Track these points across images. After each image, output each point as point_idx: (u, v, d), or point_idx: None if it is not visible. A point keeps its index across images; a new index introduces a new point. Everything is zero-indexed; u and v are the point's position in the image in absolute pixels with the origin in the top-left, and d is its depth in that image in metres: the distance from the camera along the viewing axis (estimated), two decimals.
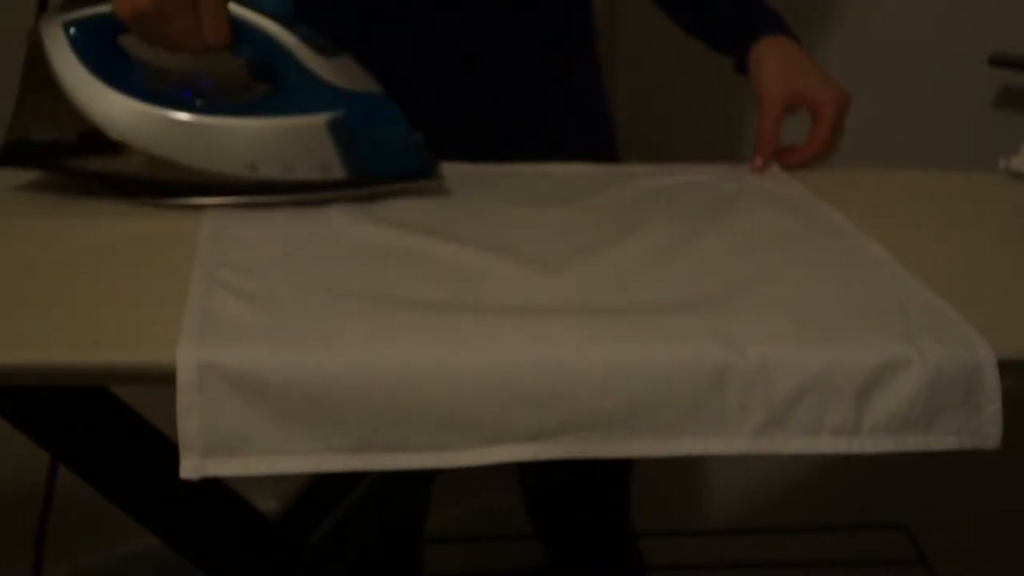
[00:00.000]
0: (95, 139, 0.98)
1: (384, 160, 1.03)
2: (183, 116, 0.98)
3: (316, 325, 0.79)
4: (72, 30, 0.97)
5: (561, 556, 1.63)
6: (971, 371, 0.80)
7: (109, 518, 1.01)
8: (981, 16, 1.62)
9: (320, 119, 1.00)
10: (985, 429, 0.81)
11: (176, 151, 0.98)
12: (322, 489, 1.04)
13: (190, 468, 0.73)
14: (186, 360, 0.73)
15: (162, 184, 0.99)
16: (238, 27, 0.97)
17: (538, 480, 1.57)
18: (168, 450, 0.92)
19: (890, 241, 0.99)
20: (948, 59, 1.67)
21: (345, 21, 1.16)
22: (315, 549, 0.98)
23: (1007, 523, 1.85)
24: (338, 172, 1.01)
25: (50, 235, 0.93)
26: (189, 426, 0.73)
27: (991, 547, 1.85)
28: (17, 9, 1.36)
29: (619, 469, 1.52)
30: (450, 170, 1.08)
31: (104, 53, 0.99)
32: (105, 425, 0.94)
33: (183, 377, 0.73)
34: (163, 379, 0.73)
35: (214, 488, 0.93)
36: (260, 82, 1.03)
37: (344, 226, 0.98)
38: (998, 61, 1.63)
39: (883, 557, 1.82)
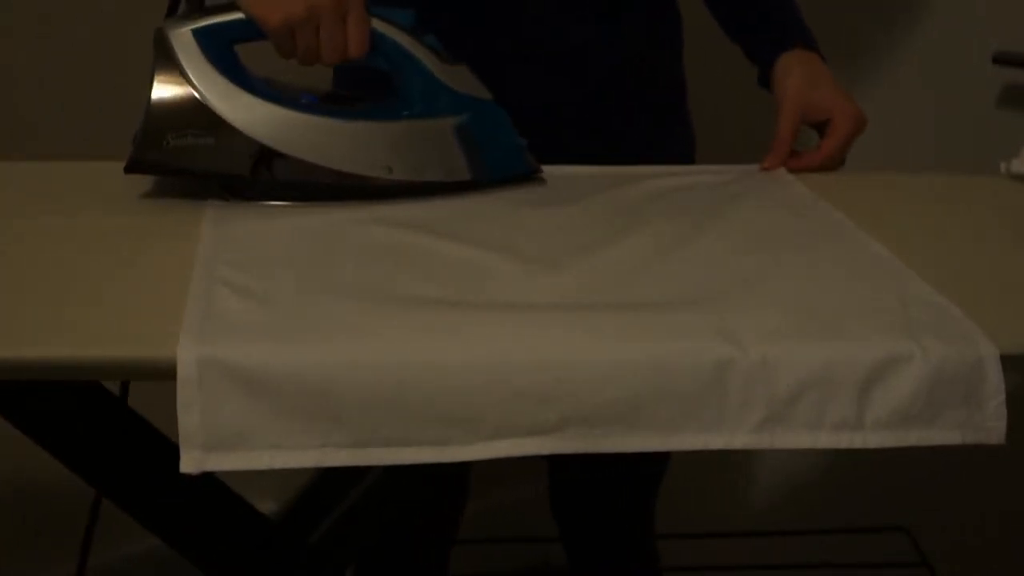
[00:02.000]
0: (232, 144, 0.99)
1: (498, 162, 1.08)
2: (321, 119, 1.02)
3: (317, 321, 0.79)
4: (203, 37, 0.99)
5: (581, 556, 1.63)
6: (973, 366, 0.80)
7: (109, 518, 1.01)
8: (985, 15, 1.63)
9: (448, 123, 1.05)
10: (989, 424, 0.81)
11: (316, 154, 1.01)
12: (322, 489, 1.04)
13: (190, 463, 0.73)
14: (187, 355, 0.73)
15: (297, 187, 1.02)
16: (372, 37, 1.01)
17: (568, 480, 1.58)
18: (168, 450, 0.92)
19: (891, 240, 0.99)
20: (952, 57, 1.67)
21: (434, 21, 1.17)
22: (315, 549, 0.98)
23: (1009, 525, 1.84)
24: (462, 174, 1.07)
25: (51, 232, 0.93)
26: (189, 421, 0.73)
27: (993, 549, 1.85)
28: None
29: (652, 471, 1.52)
30: None
31: (233, 59, 1.01)
32: (105, 425, 0.94)
33: (183, 372, 0.73)
34: (164, 375, 0.73)
35: (214, 488, 0.93)
36: (380, 88, 1.06)
37: (345, 224, 0.98)
38: (1002, 60, 1.64)
39: (884, 559, 1.82)
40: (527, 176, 1.11)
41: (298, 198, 1.02)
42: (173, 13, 1.03)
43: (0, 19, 1.53)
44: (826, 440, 0.80)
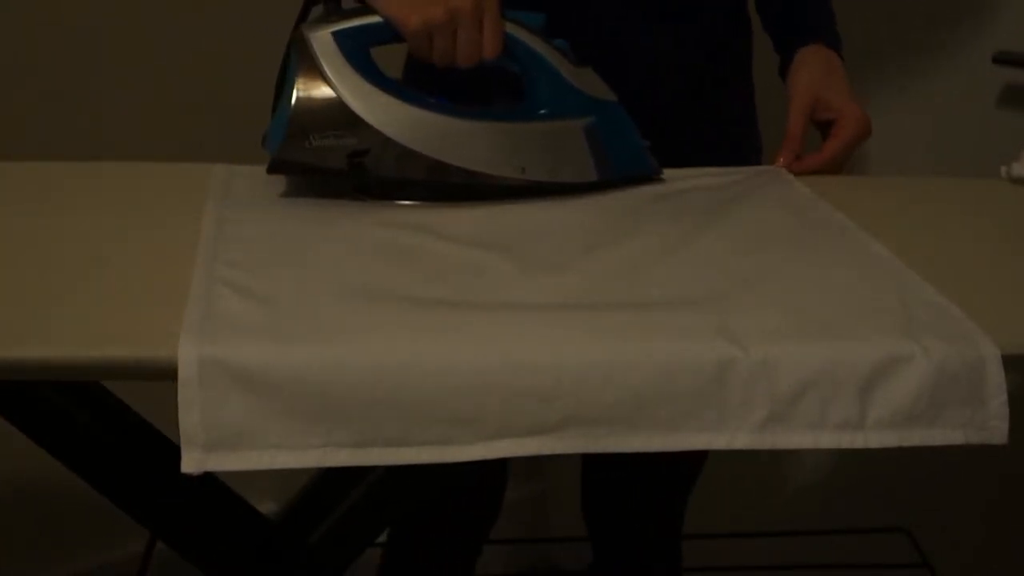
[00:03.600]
0: (372, 144, 1.01)
1: (622, 162, 1.10)
2: (455, 120, 1.03)
3: (318, 321, 0.79)
4: (342, 40, 1.00)
5: (608, 555, 1.63)
6: (975, 366, 0.80)
7: (109, 518, 1.01)
8: (985, 15, 1.63)
9: (578, 124, 1.07)
10: (991, 424, 0.81)
11: (452, 154, 1.03)
12: (322, 489, 1.04)
13: (192, 463, 0.73)
14: (187, 355, 0.73)
15: (432, 187, 1.03)
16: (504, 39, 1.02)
17: (601, 478, 1.58)
18: (168, 450, 0.92)
19: (892, 241, 0.99)
20: (953, 57, 1.67)
21: None
22: (315, 549, 0.98)
23: (1009, 525, 1.84)
24: (591, 174, 1.09)
25: (52, 232, 0.93)
26: (190, 421, 0.73)
27: (993, 550, 1.85)
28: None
29: (687, 472, 1.52)
30: None
31: (369, 61, 1.02)
32: (105, 425, 0.94)
33: (184, 372, 0.73)
34: (164, 374, 0.73)
35: (214, 488, 0.93)
36: (508, 89, 1.07)
37: (346, 225, 0.98)
38: (1002, 60, 1.64)
39: (885, 560, 1.82)
40: (649, 176, 1.13)
41: (431, 198, 1.04)
42: (305, 17, 1.05)
43: (0, 19, 1.53)
44: (828, 440, 0.79)
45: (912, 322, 0.83)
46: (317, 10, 1.04)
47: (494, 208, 1.05)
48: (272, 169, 1.02)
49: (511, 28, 1.03)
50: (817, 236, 1.01)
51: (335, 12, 1.02)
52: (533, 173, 1.06)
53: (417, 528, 1.52)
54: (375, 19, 1.00)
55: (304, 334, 0.77)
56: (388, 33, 1.00)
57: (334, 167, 1.01)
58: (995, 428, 0.82)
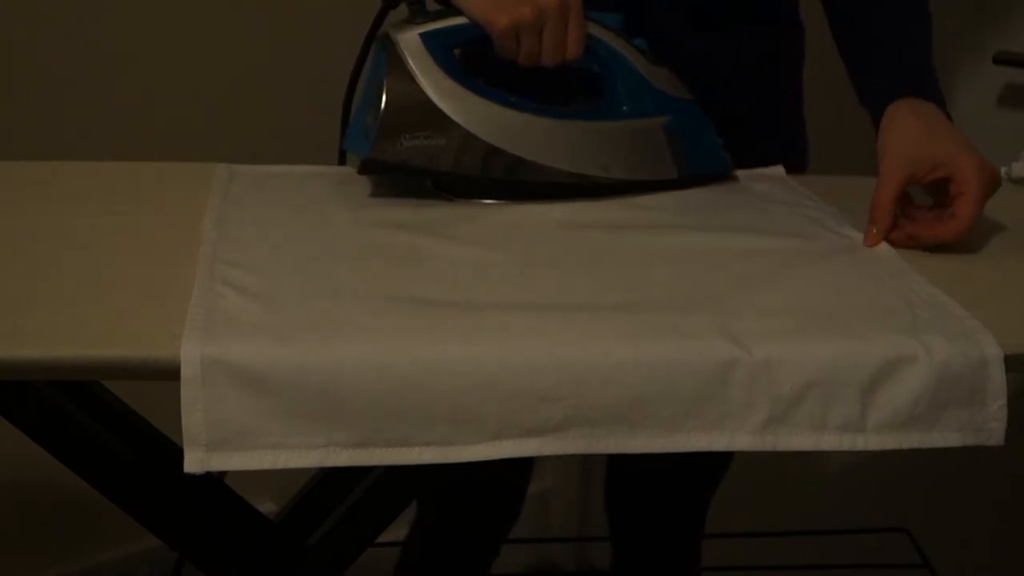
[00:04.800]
0: (461, 144, 1.03)
1: (699, 161, 1.12)
2: (541, 119, 1.05)
3: (319, 321, 0.79)
4: (430, 41, 1.02)
5: (628, 554, 1.62)
6: (977, 367, 0.80)
7: (109, 518, 1.00)
8: (985, 15, 1.63)
9: (658, 122, 1.09)
10: (990, 426, 0.81)
11: (539, 153, 1.04)
12: (322, 489, 1.04)
13: (194, 463, 0.73)
14: (190, 355, 0.73)
15: (518, 185, 1.05)
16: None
17: (627, 479, 1.58)
18: (169, 450, 0.92)
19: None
20: (953, 58, 1.67)
21: None
22: (315, 549, 0.98)
23: (1009, 526, 1.84)
24: (670, 172, 1.10)
25: (51, 232, 0.93)
26: (193, 421, 0.73)
27: (994, 550, 1.85)
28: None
29: (712, 474, 1.52)
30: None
31: (455, 61, 1.03)
32: (105, 425, 0.94)
33: (187, 372, 0.72)
34: (166, 374, 0.73)
35: (215, 488, 0.92)
36: (587, 88, 1.09)
37: (346, 225, 0.99)
38: (1002, 60, 1.64)
39: (885, 560, 1.82)
40: (723, 174, 1.15)
41: (517, 197, 1.05)
42: (381, 21, 1.06)
43: (0, 19, 1.53)
44: (829, 442, 0.79)
45: (915, 322, 0.83)
46: (399, 12, 1.05)
47: (494, 208, 1.04)
48: (363, 170, 1.04)
49: (592, 28, 1.04)
50: (820, 236, 1.01)
51: (420, 14, 1.03)
52: (616, 171, 1.08)
53: (436, 526, 1.52)
54: (461, 20, 1.02)
55: (306, 334, 0.77)
56: (474, 33, 1.01)
57: (424, 167, 1.02)
58: (993, 430, 0.81)
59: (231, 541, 0.96)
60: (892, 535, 1.84)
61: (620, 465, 1.57)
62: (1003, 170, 1.22)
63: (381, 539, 0.98)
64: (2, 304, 0.80)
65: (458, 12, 1.02)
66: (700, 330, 0.80)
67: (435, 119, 1.01)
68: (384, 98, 1.01)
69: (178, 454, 0.74)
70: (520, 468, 1.50)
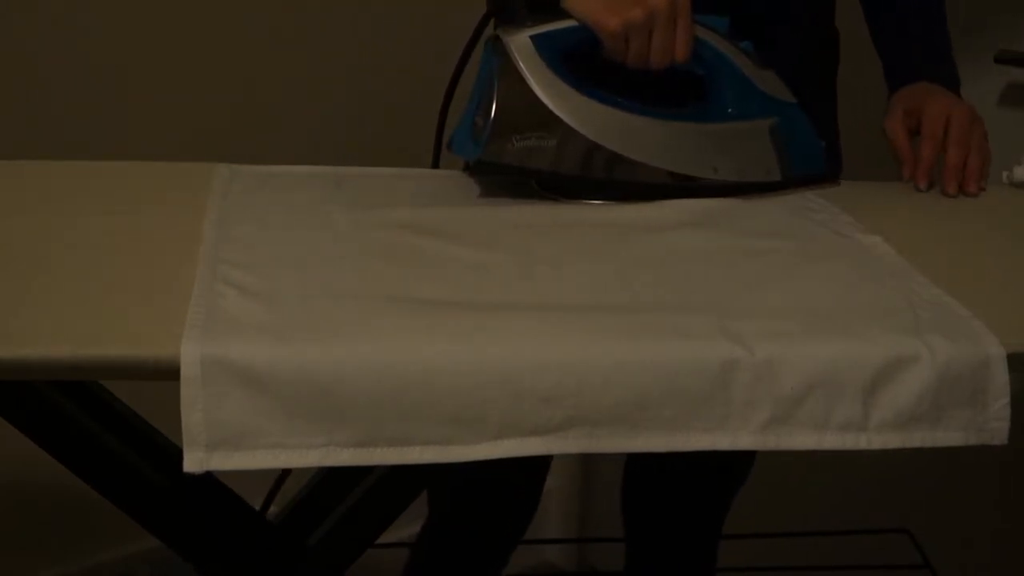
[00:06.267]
0: (572, 145, 1.04)
1: (803, 163, 1.13)
2: (649, 120, 1.06)
3: (320, 320, 0.79)
4: (540, 43, 1.03)
5: (643, 557, 1.62)
6: (980, 366, 0.80)
7: (109, 518, 1.00)
8: (985, 15, 1.63)
9: (764, 124, 1.10)
10: (992, 425, 0.81)
11: (649, 154, 1.05)
12: (322, 489, 1.04)
13: (194, 462, 0.73)
14: (190, 354, 0.73)
15: (627, 186, 1.06)
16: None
17: (647, 480, 1.57)
18: (169, 450, 0.92)
19: (897, 243, 0.99)
20: (954, 57, 1.67)
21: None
22: (315, 549, 0.98)
23: (1010, 526, 1.84)
24: (775, 174, 1.11)
25: (51, 232, 0.93)
26: (193, 420, 0.73)
27: (995, 551, 1.85)
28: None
29: (734, 477, 1.52)
30: (463, 174, 1.11)
31: (563, 63, 1.04)
32: (105, 425, 0.94)
33: (187, 371, 0.72)
34: (166, 374, 0.73)
35: (214, 488, 0.92)
36: (690, 90, 1.09)
37: (347, 225, 0.98)
38: (1003, 59, 1.64)
39: (886, 561, 1.82)
40: (827, 178, 1.16)
41: (623, 197, 1.06)
42: (482, 28, 1.09)
43: (0, 19, 1.52)
44: (831, 441, 0.79)
45: (918, 322, 0.83)
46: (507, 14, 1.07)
47: (494, 208, 1.04)
48: (475, 170, 1.06)
49: (698, 31, 1.05)
50: (822, 236, 1.01)
51: (529, 17, 1.04)
52: (724, 173, 1.08)
53: (448, 528, 1.51)
54: (570, 22, 1.03)
55: (306, 333, 0.76)
56: (583, 35, 1.02)
57: (535, 168, 1.03)
58: (996, 429, 0.81)
59: (231, 541, 0.96)
60: (893, 536, 1.85)
61: (641, 465, 1.57)
62: (1004, 174, 1.23)
63: (382, 539, 0.98)
64: (2, 304, 0.80)
65: (566, 15, 1.03)
66: (702, 330, 0.80)
67: (546, 120, 1.03)
68: (496, 100, 1.02)
69: (178, 454, 0.74)
70: (533, 472, 1.49)
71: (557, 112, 1.03)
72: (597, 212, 1.05)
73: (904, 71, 1.24)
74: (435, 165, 1.15)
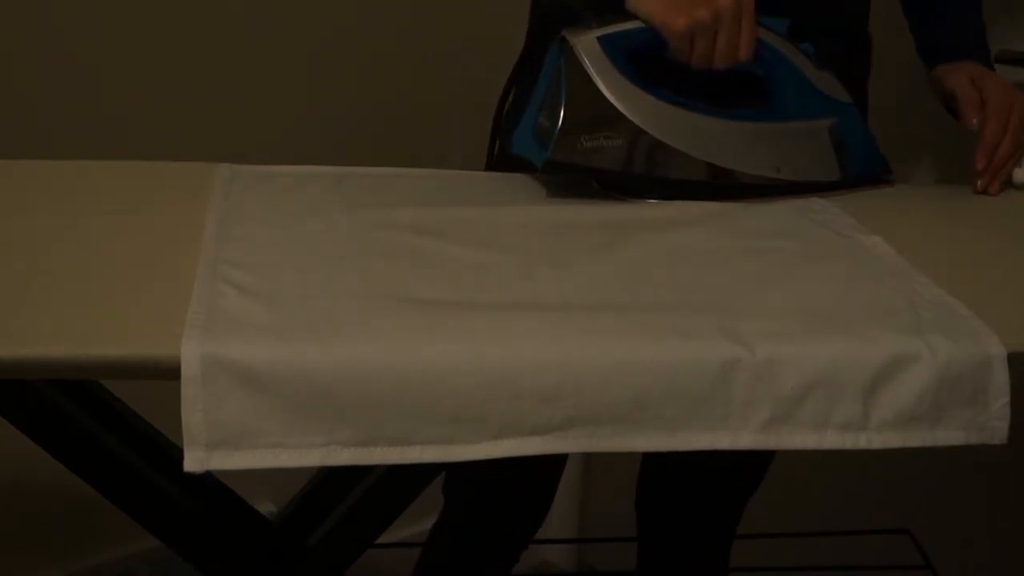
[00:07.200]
0: (638, 145, 1.05)
1: (860, 162, 1.15)
2: (714, 120, 1.07)
3: (321, 320, 0.79)
4: (607, 44, 1.04)
5: (656, 557, 1.62)
6: (980, 365, 0.80)
7: (109, 518, 1.00)
8: (985, 15, 1.63)
9: (823, 124, 1.12)
10: (993, 424, 0.81)
11: (715, 154, 1.06)
12: (322, 489, 1.04)
13: (194, 462, 0.73)
14: (190, 354, 0.73)
15: (692, 185, 1.07)
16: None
17: (663, 480, 1.57)
18: (169, 450, 0.92)
19: (898, 243, 0.99)
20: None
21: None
22: (315, 549, 0.98)
23: (1011, 527, 1.84)
24: (835, 174, 1.13)
25: (51, 232, 0.93)
26: (193, 420, 0.73)
27: (995, 551, 1.85)
28: None
29: (750, 478, 1.52)
30: (463, 174, 1.12)
31: (629, 63, 1.05)
32: (105, 425, 0.94)
33: (187, 371, 0.72)
34: (166, 373, 0.73)
35: (214, 488, 0.92)
36: (749, 90, 1.10)
37: (348, 225, 0.98)
38: (1003, 60, 1.64)
39: (887, 562, 1.82)
40: (881, 176, 1.17)
41: (687, 196, 1.06)
42: (539, 30, 1.10)
43: (0, 19, 1.52)
44: (831, 441, 0.79)
45: (919, 321, 0.83)
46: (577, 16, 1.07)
47: (495, 208, 1.04)
48: (545, 168, 1.06)
49: (760, 32, 1.06)
50: (823, 236, 1.02)
51: (595, 18, 1.05)
52: (786, 172, 1.09)
53: (461, 528, 1.51)
54: (635, 23, 1.04)
55: (307, 333, 0.76)
56: (648, 36, 1.03)
57: (603, 167, 1.04)
58: (996, 428, 0.82)
59: (231, 541, 0.96)
60: (894, 536, 1.85)
61: (656, 464, 1.57)
62: None
63: (382, 539, 0.98)
64: (2, 303, 0.80)
65: (631, 16, 1.04)
66: (702, 330, 0.80)
67: (614, 120, 1.04)
68: (564, 101, 1.03)
69: (178, 454, 0.74)
70: (547, 473, 1.49)
71: (624, 112, 1.04)
72: (597, 212, 1.05)
73: (950, 47, 1.27)
74: (489, 165, 1.16)
